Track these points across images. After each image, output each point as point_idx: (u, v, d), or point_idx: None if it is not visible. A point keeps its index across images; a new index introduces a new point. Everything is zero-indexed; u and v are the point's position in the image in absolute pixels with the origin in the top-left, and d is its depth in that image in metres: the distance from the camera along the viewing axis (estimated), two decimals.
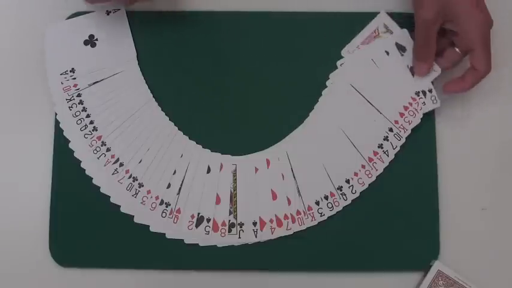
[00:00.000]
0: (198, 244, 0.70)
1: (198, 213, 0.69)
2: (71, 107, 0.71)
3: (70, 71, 0.71)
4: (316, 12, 0.74)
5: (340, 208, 0.69)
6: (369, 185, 0.71)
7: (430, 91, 0.70)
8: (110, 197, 0.70)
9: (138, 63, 0.72)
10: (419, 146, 0.72)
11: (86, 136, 0.70)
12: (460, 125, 0.73)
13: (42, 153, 0.72)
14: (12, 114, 0.74)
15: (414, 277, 0.70)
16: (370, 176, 0.69)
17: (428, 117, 0.72)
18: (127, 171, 0.69)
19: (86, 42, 0.72)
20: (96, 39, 0.72)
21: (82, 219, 0.71)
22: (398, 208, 0.71)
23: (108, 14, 0.73)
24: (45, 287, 0.71)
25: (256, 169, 0.70)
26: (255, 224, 0.69)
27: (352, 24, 0.73)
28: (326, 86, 0.72)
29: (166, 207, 0.69)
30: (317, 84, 0.72)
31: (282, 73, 0.73)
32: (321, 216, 0.69)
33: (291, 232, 0.69)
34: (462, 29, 0.66)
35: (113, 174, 0.69)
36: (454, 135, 0.73)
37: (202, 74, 0.73)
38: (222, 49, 0.74)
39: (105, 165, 0.70)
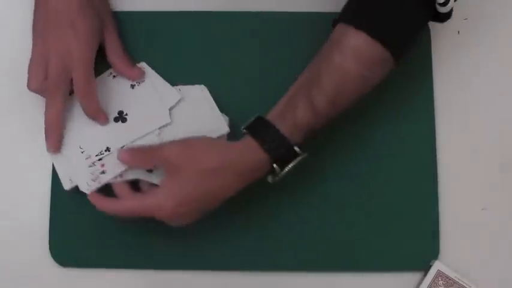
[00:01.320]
0: (198, 244, 0.70)
1: None
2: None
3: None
4: (317, 13, 0.74)
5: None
6: (369, 185, 0.71)
7: None
8: (109, 196, 0.70)
9: (138, 63, 0.72)
10: (419, 146, 0.72)
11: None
12: (460, 125, 0.73)
13: (42, 153, 0.72)
14: (12, 114, 0.74)
15: (414, 277, 0.70)
16: None
17: (429, 117, 0.72)
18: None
19: (116, 119, 0.70)
20: (126, 114, 0.70)
21: (82, 219, 0.71)
22: (398, 208, 0.71)
23: (132, 88, 0.71)
24: (45, 287, 0.71)
25: None
26: None
27: None
28: None
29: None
30: None
31: (281, 73, 0.73)
32: None
33: None
34: None
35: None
36: (454, 135, 0.73)
37: (202, 73, 0.73)
38: (221, 49, 0.74)
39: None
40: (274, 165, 0.64)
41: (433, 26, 0.74)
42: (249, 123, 0.65)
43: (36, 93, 0.68)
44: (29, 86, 0.68)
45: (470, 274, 0.69)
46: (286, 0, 0.75)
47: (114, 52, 0.70)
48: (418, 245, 0.70)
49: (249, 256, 0.70)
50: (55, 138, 0.68)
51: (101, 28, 0.69)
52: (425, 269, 0.70)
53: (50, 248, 0.70)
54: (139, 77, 0.71)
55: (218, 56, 0.74)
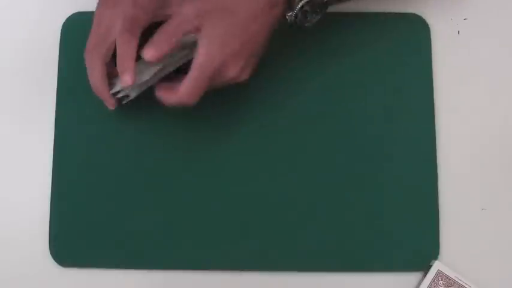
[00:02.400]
0: (198, 244, 0.70)
1: None
2: None
3: None
4: None
5: None
6: (369, 185, 0.71)
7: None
8: (109, 196, 0.70)
9: None
10: (419, 146, 0.72)
11: None
12: (460, 124, 0.73)
13: (42, 153, 0.72)
14: (12, 115, 0.74)
15: (414, 277, 0.70)
16: None
17: (429, 117, 0.72)
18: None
19: None
20: None
21: (82, 219, 0.71)
22: (398, 208, 0.71)
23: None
24: (45, 287, 0.71)
25: None
26: None
27: (352, 24, 0.73)
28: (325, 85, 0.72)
29: None
30: (314, 82, 0.72)
31: (281, 73, 0.73)
32: None
33: None
34: (198, 47, 0.62)
35: None
36: (454, 135, 0.73)
37: None
38: None
39: None
40: None
41: (433, 26, 0.74)
42: None
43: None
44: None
45: (470, 274, 0.69)
46: None
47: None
48: (418, 245, 0.70)
49: (249, 256, 0.70)
50: (107, 96, 0.67)
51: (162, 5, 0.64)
52: (425, 269, 0.70)
53: (50, 248, 0.70)
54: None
55: None
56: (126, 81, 0.63)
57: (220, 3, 0.62)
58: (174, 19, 0.63)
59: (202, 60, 0.62)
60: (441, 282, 0.68)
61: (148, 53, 0.62)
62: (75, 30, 0.74)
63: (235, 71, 0.63)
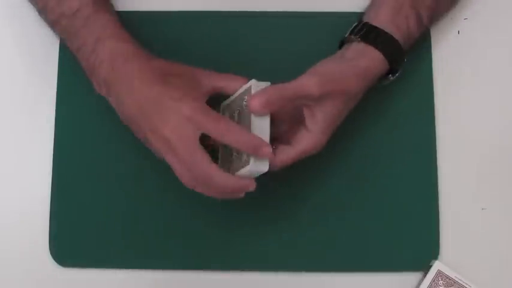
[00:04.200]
0: (198, 244, 0.70)
1: None
2: None
3: None
4: (318, 13, 0.74)
5: None
6: (369, 185, 0.71)
7: None
8: (109, 196, 0.70)
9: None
10: (419, 146, 0.72)
11: None
12: (460, 125, 0.73)
13: (42, 153, 0.72)
14: (12, 114, 0.74)
15: (414, 277, 0.70)
16: None
17: (429, 117, 0.72)
18: None
19: None
20: None
21: (82, 219, 0.71)
22: (398, 208, 0.71)
23: None
24: (45, 287, 0.71)
25: None
26: None
27: (351, 25, 0.73)
28: None
29: None
30: None
31: (281, 73, 0.73)
32: None
33: None
34: (305, 127, 0.63)
35: None
36: (454, 135, 0.73)
37: None
38: (221, 49, 0.74)
39: None
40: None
41: (433, 26, 0.74)
42: (358, 31, 0.65)
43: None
44: (185, 183, 0.62)
45: (470, 274, 0.69)
46: (286, 0, 0.75)
47: (232, 83, 0.65)
48: (418, 245, 0.70)
49: (249, 256, 0.70)
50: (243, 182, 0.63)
51: (196, 84, 0.63)
52: (425, 269, 0.70)
53: (50, 248, 0.70)
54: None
55: (218, 56, 0.74)
56: (268, 152, 0.60)
57: (342, 93, 0.62)
58: (296, 82, 0.61)
59: (307, 148, 0.62)
60: (441, 282, 0.68)
61: (255, 105, 0.60)
62: None
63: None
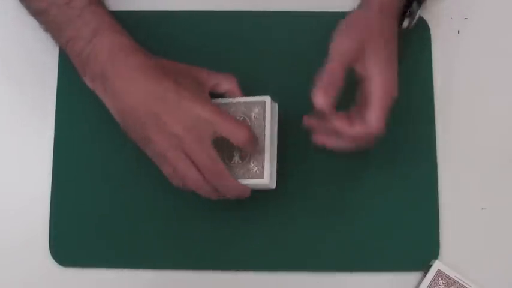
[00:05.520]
0: (198, 244, 0.70)
1: None
2: None
3: None
4: (318, 12, 0.74)
5: None
6: (369, 185, 0.71)
7: None
8: (109, 196, 0.70)
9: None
10: (419, 146, 0.72)
11: None
12: (460, 125, 0.73)
13: (42, 153, 0.72)
14: (12, 115, 0.74)
15: (414, 277, 0.70)
16: None
17: (429, 117, 0.72)
18: None
19: None
20: None
21: (82, 219, 0.71)
22: (399, 208, 0.71)
23: None
24: (45, 287, 0.71)
25: None
26: None
27: None
28: None
29: None
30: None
31: (281, 73, 0.73)
32: None
33: None
34: (368, 78, 0.63)
35: None
36: (454, 135, 0.73)
37: None
38: (221, 49, 0.74)
39: None
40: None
41: (433, 26, 0.74)
42: None
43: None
44: (192, 183, 0.62)
45: (470, 274, 0.69)
46: (286, 0, 0.75)
47: (228, 82, 0.67)
48: (418, 245, 0.70)
49: (249, 256, 0.70)
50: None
51: (199, 83, 0.64)
52: (425, 269, 0.70)
53: (50, 248, 0.70)
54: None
55: (218, 56, 0.74)
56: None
57: (372, 33, 0.63)
58: (333, 54, 0.62)
59: (381, 90, 0.62)
60: (441, 282, 0.68)
61: (318, 102, 0.61)
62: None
63: (397, 91, 0.63)
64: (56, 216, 0.71)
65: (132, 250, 0.70)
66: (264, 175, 0.65)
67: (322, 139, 0.67)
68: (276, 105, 0.68)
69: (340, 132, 0.63)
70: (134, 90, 0.62)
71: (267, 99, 0.66)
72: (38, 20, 0.68)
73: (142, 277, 0.71)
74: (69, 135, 0.72)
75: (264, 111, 0.66)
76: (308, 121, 0.67)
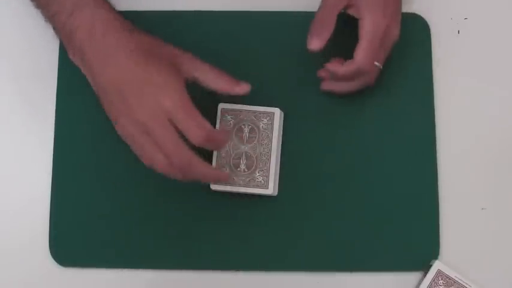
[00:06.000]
0: (198, 244, 0.70)
1: None
2: None
3: None
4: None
5: None
6: (369, 185, 0.71)
7: None
8: (109, 196, 0.70)
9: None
10: (419, 146, 0.72)
11: None
12: (460, 125, 0.73)
13: (42, 153, 0.72)
14: (12, 115, 0.74)
15: (414, 277, 0.70)
16: None
17: (429, 117, 0.72)
18: None
19: None
20: None
21: (82, 219, 0.71)
22: (398, 208, 0.71)
23: None
24: (45, 287, 0.71)
25: None
26: None
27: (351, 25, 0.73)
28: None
29: None
30: (315, 82, 0.72)
31: (282, 73, 0.73)
32: None
33: None
34: (360, 19, 0.65)
35: None
36: (454, 135, 0.73)
37: None
38: (222, 49, 0.74)
39: None
40: None
41: (433, 26, 0.74)
42: None
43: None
44: (160, 168, 0.62)
45: (470, 274, 0.69)
46: (286, 0, 0.75)
47: (210, 78, 0.64)
48: (418, 245, 0.70)
49: (249, 256, 0.70)
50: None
51: (176, 70, 0.63)
52: (425, 269, 0.70)
53: (50, 248, 0.70)
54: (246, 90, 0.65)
55: (218, 56, 0.74)
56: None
57: None
58: (326, 1, 0.65)
59: (370, 28, 0.64)
60: (441, 282, 0.68)
61: (313, 44, 0.65)
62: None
63: (397, 30, 0.66)
64: (56, 216, 0.71)
65: (132, 250, 0.70)
66: (268, 186, 0.68)
67: (326, 85, 0.71)
68: (283, 116, 0.70)
69: (334, 74, 0.67)
70: (107, 71, 0.62)
71: (276, 111, 0.69)
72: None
73: (142, 277, 0.71)
74: (69, 135, 0.72)
75: (273, 122, 0.68)
76: (319, 73, 0.70)
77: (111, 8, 0.65)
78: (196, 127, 0.60)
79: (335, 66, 0.67)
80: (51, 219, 0.71)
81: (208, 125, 0.61)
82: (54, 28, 0.66)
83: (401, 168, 0.71)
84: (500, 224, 0.71)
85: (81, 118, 0.73)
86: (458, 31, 0.75)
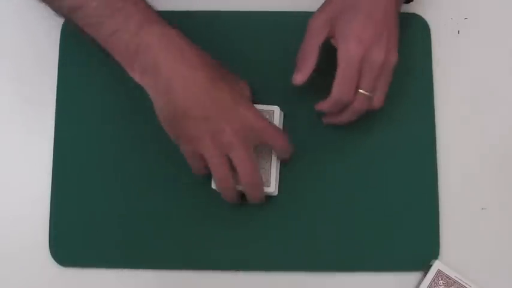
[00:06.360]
0: (198, 244, 0.70)
1: None
2: None
3: None
4: None
5: None
6: (369, 185, 0.71)
7: None
8: (109, 196, 0.70)
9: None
10: (419, 146, 0.72)
11: None
12: (460, 125, 0.73)
13: (42, 153, 0.72)
14: (12, 115, 0.74)
15: (414, 277, 0.70)
16: None
17: (429, 117, 0.72)
18: None
19: None
20: None
21: (82, 220, 0.71)
22: (398, 208, 0.71)
23: None
24: (45, 287, 0.71)
25: None
26: None
27: None
28: None
29: None
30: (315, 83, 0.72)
31: (282, 73, 0.73)
32: None
33: None
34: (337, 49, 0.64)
35: None
36: (454, 135, 0.73)
37: None
38: (222, 49, 0.74)
39: None
40: None
41: (433, 25, 0.74)
42: None
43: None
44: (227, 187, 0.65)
45: (470, 274, 0.69)
46: (286, 0, 0.75)
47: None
48: (418, 245, 0.70)
49: (249, 256, 0.70)
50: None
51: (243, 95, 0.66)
52: (425, 269, 0.70)
53: (50, 248, 0.71)
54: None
55: (218, 55, 0.73)
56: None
57: (344, 2, 0.64)
58: (307, 31, 0.65)
59: (342, 56, 0.63)
60: (441, 282, 0.68)
61: (296, 80, 0.66)
62: (76, 30, 0.74)
63: (381, 54, 0.63)
64: (56, 216, 0.71)
65: (132, 250, 0.70)
66: (270, 184, 0.68)
67: (326, 119, 0.71)
68: (283, 115, 0.70)
69: (323, 111, 0.68)
70: (192, 90, 0.61)
71: (276, 109, 0.69)
72: (72, 17, 0.64)
73: (142, 277, 0.71)
74: (69, 135, 0.72)
75: (273, 120, 0.69)
76: (317, 107, 0.69)
77: (177, 28, 0.64)
78: (281, 137, 0.66)
79: (319, 106, 0.67)
80: (51, 219, 0.71)
81: (286, 134, 0.67)
82: (108, 47, 0.63)
83: (401, 168, 0.71)
84: (500, 224, 0.71)
85: (81, 118, 0.73)
86: (458, 31, 0.75)
